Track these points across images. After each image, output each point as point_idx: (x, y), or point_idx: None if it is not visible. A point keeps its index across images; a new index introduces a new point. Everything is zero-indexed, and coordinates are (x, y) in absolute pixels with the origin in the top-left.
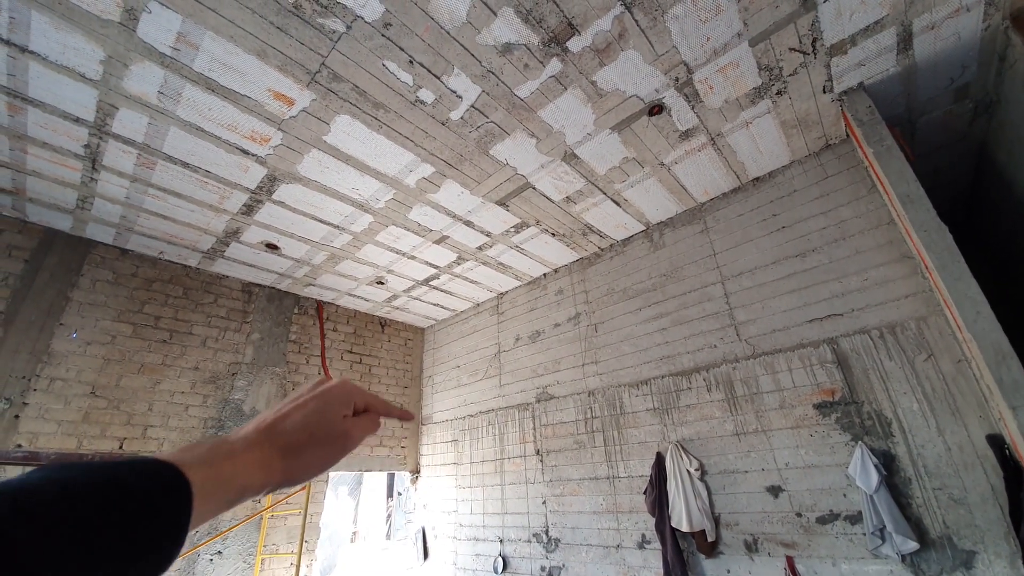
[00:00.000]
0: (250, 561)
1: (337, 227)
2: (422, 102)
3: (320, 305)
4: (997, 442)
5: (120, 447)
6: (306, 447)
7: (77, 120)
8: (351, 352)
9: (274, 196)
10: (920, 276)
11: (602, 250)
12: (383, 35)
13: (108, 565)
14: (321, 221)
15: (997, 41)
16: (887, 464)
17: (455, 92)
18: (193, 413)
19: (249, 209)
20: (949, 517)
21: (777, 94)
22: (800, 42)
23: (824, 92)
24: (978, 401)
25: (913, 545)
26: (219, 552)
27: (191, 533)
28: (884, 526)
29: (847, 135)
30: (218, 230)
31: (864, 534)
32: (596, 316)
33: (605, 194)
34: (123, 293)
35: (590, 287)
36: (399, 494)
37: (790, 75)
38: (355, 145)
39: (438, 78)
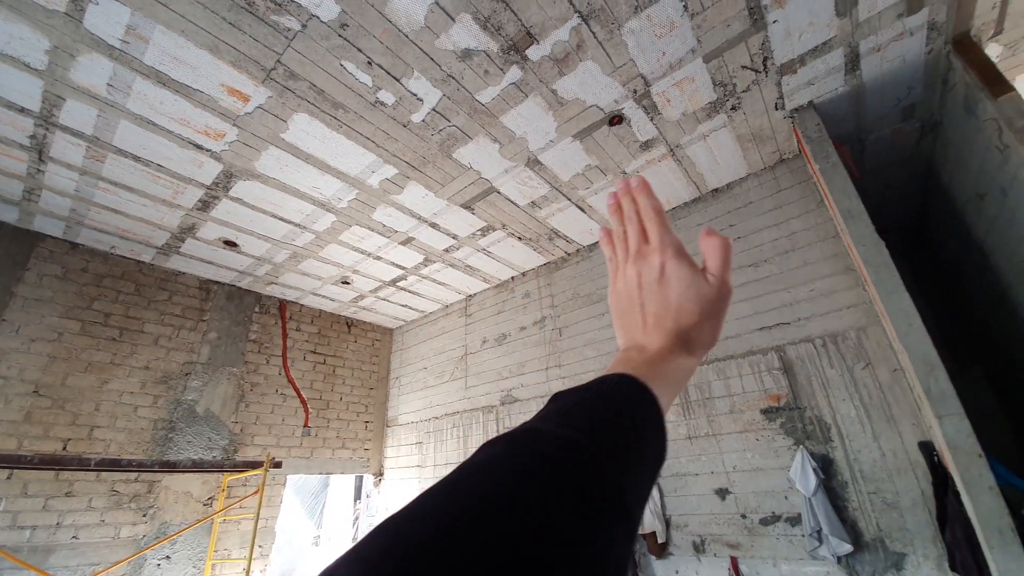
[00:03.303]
0: (200, 566)
1: (299, 226)
2: (382, 104)
3: (283, 304)
4: (928, 449)
5: (64, 448)
6: (700, 323)
7: (22, 110)
8: (314, 352)
9: (231, 193)
10: (861, 288)
11: (568, 255)
12: (340, 35)
13: (641, 457)
14: (282, 219)
15: (940, 64)
16: (825, 468)
17: (416, 95)
18: (143, 414)
19: (205, 205)
20: (882, 520)
21: (732, 109)
22: (751, 60)
23: (776, 109)
24: (912, 409)
25: (847, 547)
26: (167, 557)
27: (138, 537)
28: (821, 528)
29: (799, 151)
30: (173, 225)
31: (803, 536)
32: (561, 320)
33: (570, 200)
34: (72, 289)
35: (556, 291)
36: (367, 496)
37: (744, 91)
38: (315, 144)
39: (398, 80)
